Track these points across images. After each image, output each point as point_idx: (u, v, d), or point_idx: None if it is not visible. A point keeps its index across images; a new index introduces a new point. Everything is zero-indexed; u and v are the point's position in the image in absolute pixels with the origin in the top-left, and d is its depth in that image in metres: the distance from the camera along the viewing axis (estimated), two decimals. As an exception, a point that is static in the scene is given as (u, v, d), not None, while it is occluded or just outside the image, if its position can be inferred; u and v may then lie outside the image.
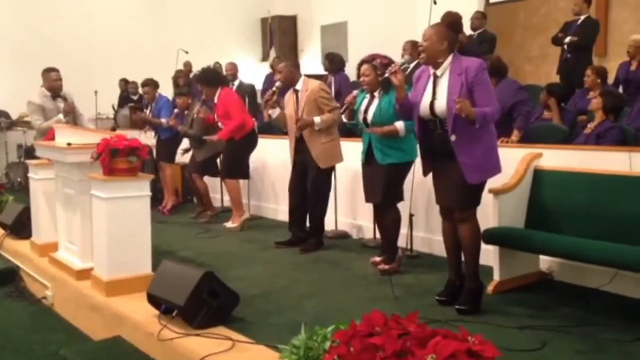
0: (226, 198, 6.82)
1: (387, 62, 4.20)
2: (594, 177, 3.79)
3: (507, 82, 5.26)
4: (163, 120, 6.95)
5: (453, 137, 3.45)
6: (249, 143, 6.16)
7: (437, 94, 3.52)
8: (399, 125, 4.23)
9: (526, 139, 4.90)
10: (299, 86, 5.15)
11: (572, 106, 5.74)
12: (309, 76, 5.38)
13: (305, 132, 5.05)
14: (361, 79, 4.41)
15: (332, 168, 5.24)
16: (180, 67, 10.15)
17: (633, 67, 6.21)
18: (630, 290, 3.71)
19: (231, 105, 6.02)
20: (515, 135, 4.99)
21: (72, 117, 6.10)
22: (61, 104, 6.04)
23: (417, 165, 4.27)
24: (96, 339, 3.72)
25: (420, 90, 3.62)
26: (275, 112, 5.24)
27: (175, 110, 6.83)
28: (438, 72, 3.55)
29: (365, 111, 4.39)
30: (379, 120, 4.30)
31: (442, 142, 3.51)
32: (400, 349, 1.96)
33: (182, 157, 7.02)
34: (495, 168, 3.58)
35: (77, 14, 11.18)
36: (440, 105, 3.48)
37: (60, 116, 5.94)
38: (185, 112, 6.83)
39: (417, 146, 3.86)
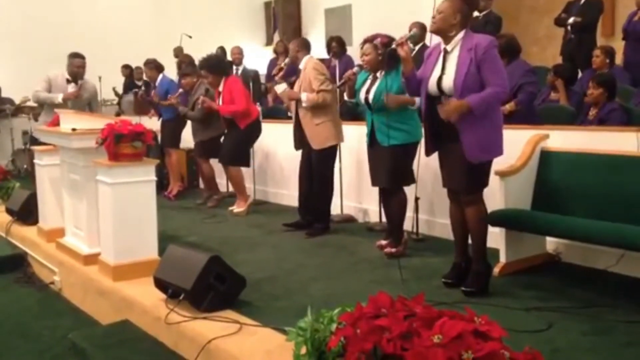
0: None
1: (388, 40, 4.16)
2: (601, 157, 3.76)
3: (517, 63, 5.21)
4: (172, 100, 6.87)
5: None
6: (253, 132, 6.16)
7: (445, 69, 3.47)
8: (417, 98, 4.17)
9: (533, 120, 4.86)
10: (301, 65, 5.14)
11: (579, 87, 5.69)
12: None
13: (300, 113, 5.07)
14: (362, 58, 4.36)
15: (334, 152, 5.19)
16: (184, 52, 10.12)
17: (637, 17, 6.13)
18: (638, 271, 3.70)
19: (237, 92, 6.01)
20: (509, 105, 4.85)
21: (88, 103, 6.34)
22: (71, 89, 6.20)
23: (422, 147, 4.25)
24: (104, 323, 3.75)
25: (430, 66, 3.58)
26: (281, 88, 5.19)
27: (180, 90, 6.77)
28: (448, 48, 3.50)
29: (367, 92, 4.36)
30: (381, 101, 4.27)
31: (447, 120, 3.49)
32: (406, 330, 1.96)
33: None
34: (498, 149, 3.53)
35: (80, -1, 11.16)
36: (448, 80, 3.44)
37: (60, 97, 6.09)
38: (185, 93, 6.75)
39: (422, 126, 3.82)
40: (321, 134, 5.03)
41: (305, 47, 5.27)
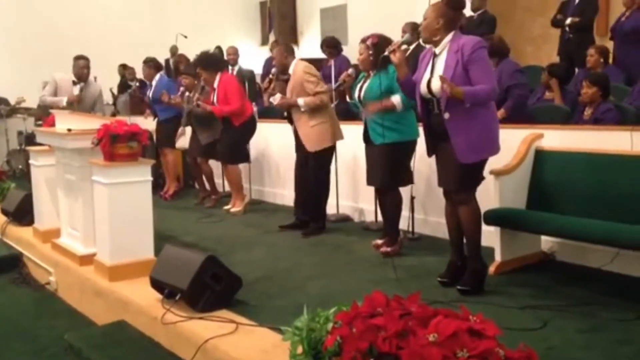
0: (226, 182, 6.82)
1: (377, 41, 4.19)
2: (595, 157, 3.78)
3: (506, 63, 5.24)
4: (177, 100, 6.78)
5: (446, 115, 3.44)
6: (248, 129, 6.16)
7: (434, 73, 3.50)
8: (395, 99, 4.19)
9: (527, 120, 4.88)
10: (290, 70, 5.15)
11: (573, 86, 5.71)
12: (307, 60, 5.37)
13: (294, 115, 5.08)
14: (357, 58, 4.43)
15: (330, 154, 5.17)
16: (180, 51, 10.10)
17: (624, 17, 6.17)
18: (632, 269, 3.72)
19: (231, 91, 6.00)
20: (500, 113, 4.90)
21: (91, 106, 6.46)
22: (76, 91, 6.33)
23: (418, 146, 4.26)
24: (100, 324, 3.76)
25: (422, 69, 3.61)
26: (276, 99, 5.22)
27: (182, 89, 6.74)
28: (437, 51, 3.53)
29: (360, 90, 4.40)
30: (366, 100, 4.30)
31: (439, 122, 3.50)
32: (402, 328, 1.97)
33: (179, 141, 6.98)
34: (492, 148, 3.54)
35: (75, -2, 11.12)
36: (436, 83, 3.45)
37: (64, 100, 6.19)
38: (187, 94, 6.75)
39: (418, 125, 3.84)
40: (315, 136, 5.02)
41: (292, 51, 5.31)
